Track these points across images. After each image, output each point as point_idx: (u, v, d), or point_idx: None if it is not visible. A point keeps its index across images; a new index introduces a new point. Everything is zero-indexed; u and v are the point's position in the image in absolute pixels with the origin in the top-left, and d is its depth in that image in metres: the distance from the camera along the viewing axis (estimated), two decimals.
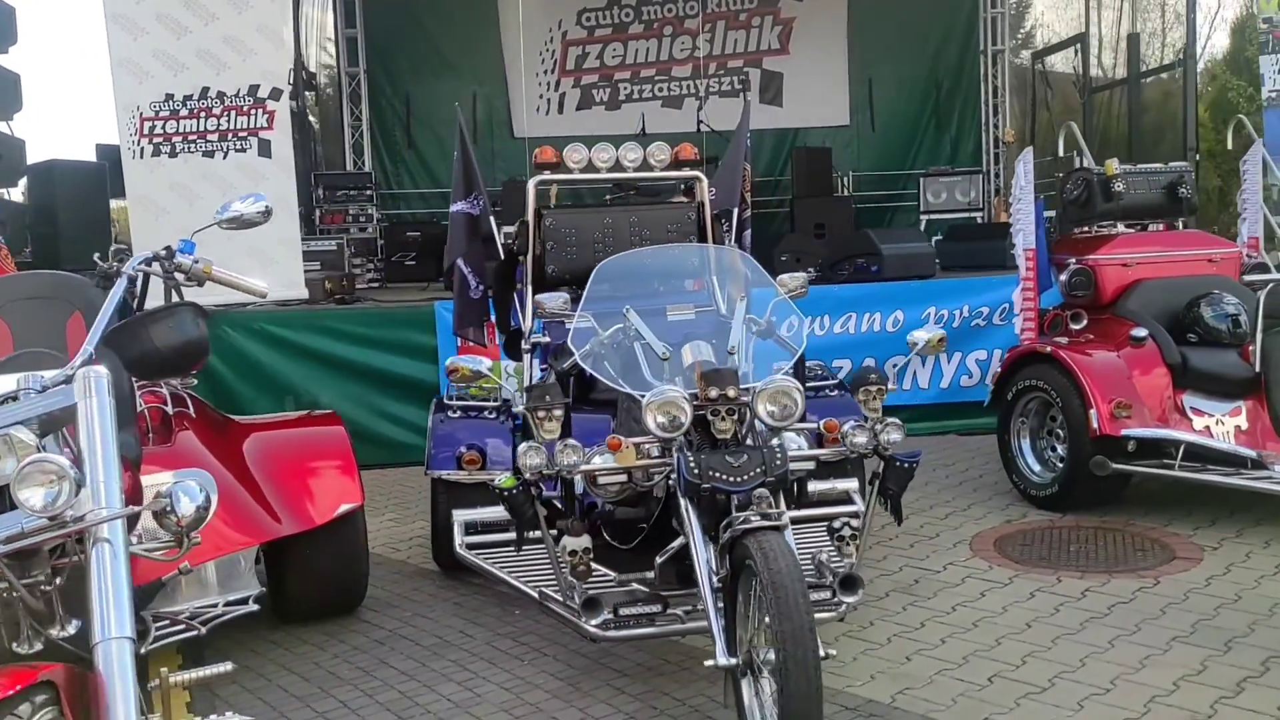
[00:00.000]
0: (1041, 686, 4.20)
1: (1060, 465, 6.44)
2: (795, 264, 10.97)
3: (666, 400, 3.99)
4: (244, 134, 8.43)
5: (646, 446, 4.17)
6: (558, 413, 4.25)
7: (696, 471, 3.84)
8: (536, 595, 4.69)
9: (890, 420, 4.37)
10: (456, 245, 6.84)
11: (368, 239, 12.74)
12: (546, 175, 6.53)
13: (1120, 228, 6.95)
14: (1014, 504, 6.65)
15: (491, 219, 6.64)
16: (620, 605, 4.22)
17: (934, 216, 13.04)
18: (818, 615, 4.25)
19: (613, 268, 5.01)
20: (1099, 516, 6.25)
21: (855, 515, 4.58)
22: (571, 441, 4.24)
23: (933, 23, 14.89)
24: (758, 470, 3.85)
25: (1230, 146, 9.91)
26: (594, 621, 4.18)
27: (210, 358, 8.46)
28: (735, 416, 4.03)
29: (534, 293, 6.00)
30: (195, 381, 5.44)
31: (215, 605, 4.51)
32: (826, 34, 14.86)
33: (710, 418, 4.02)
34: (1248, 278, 6.37)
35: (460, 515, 5.49)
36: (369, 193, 13.02)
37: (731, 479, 3.84)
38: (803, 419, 4.15)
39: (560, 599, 4.50)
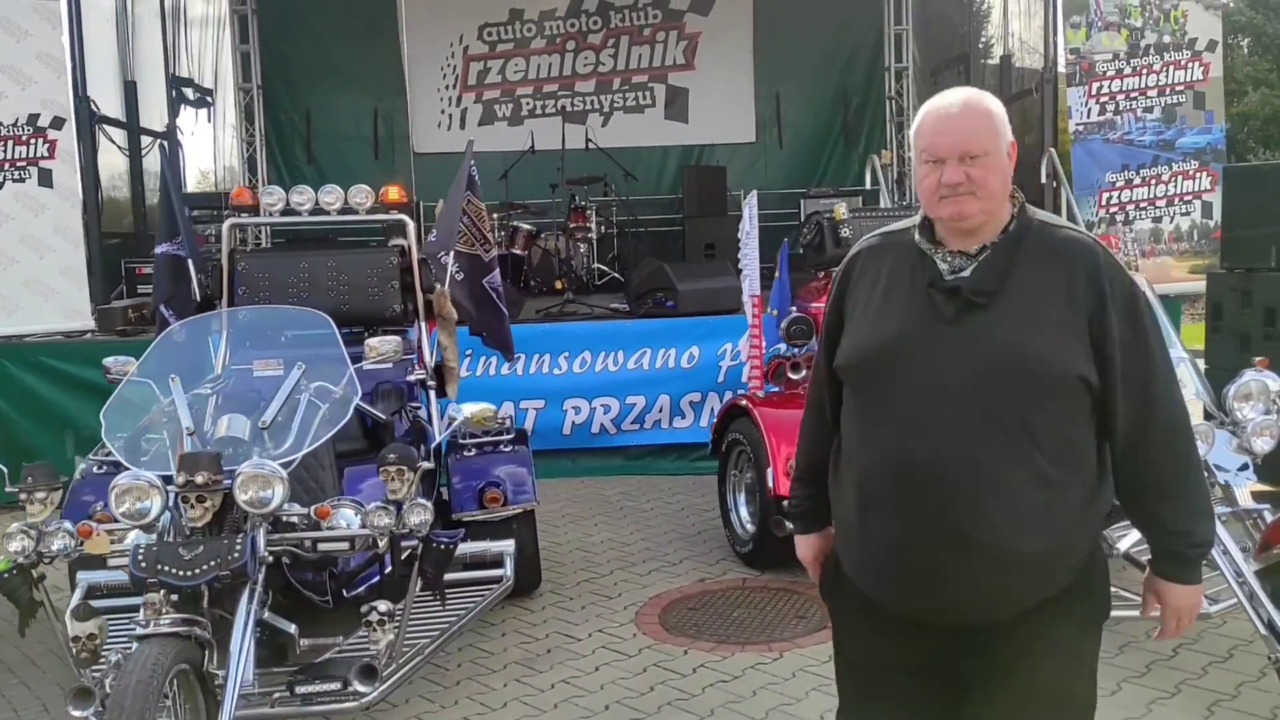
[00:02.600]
0: None
1: None
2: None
3: (128, 486, 3.82)
4: (23, 164, 8.32)
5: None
6: (40, 494, 4.06)
7: (144, 565, 3.67)
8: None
9: (418, 501, 4.19)
10: (161, 288, 6.72)
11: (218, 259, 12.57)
12: (242, 218, 6.40)
13: None
14: (724, 559, 6.42)
15: (191, 262, 6.49)
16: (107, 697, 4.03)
17: None
18: (335, 706, 4.13)
19: (181, 334, 4.85)
20: (793, 575, 6.02)
21: (394, 595, 4.40)
22: (66, 525, 4.08)
23: (840, 39, 14.57)
24: (211, 564, 3.68)
25: (1043, 181, 9.58)
26: (82, 712, 4.00)
27: None
28: (208, 504, 3.86)
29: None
30: None
31: None
32: (732, 50, 14.60)
33: (182, 505, 3.86)
34: None
35: (84, 577, 5.30)
36: (226, 213, 12.88)
37: (181, 572, 3.66)
38: (283, 505, 3.95)
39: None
